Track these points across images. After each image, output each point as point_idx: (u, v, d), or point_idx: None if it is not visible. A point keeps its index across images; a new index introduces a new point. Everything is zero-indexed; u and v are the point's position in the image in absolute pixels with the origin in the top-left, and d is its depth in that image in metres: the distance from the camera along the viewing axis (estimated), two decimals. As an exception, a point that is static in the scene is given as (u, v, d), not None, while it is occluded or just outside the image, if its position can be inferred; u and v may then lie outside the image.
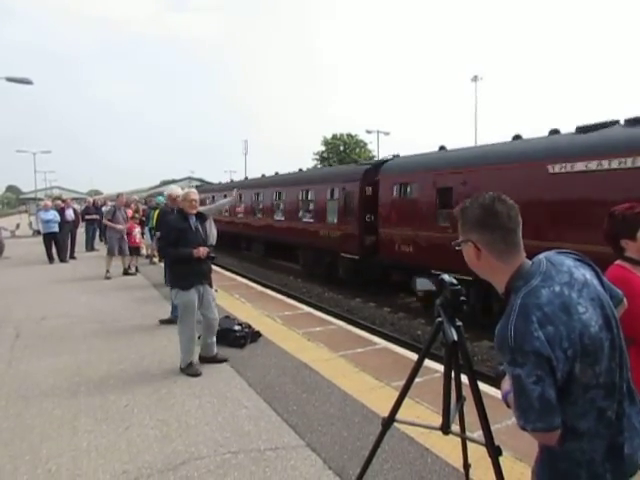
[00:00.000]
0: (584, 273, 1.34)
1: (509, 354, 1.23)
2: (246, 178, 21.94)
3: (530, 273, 1.31)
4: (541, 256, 1.37)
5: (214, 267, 6.11)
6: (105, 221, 11.03)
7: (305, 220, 14.91)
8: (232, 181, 24.22)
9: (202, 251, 4.53)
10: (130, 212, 11.54)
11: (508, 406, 1.35)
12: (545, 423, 1.21)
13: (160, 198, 11.62)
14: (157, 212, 8.78)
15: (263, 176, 20.64)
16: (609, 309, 1.31)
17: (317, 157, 50.65)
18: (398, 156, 12.45)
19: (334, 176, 14.16)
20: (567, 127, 8.43)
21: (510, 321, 1.24)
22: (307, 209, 15.12)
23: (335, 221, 13.18)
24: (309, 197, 15.00)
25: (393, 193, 11.09)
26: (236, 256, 20.06)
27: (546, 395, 1.19)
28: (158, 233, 8.35)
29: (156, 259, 11.88)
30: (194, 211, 4.70)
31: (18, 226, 26.17)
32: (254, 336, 5.59)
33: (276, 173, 19.43)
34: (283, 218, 16.44)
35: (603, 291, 1.35)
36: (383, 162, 12.33)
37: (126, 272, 10.76)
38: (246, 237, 20.56)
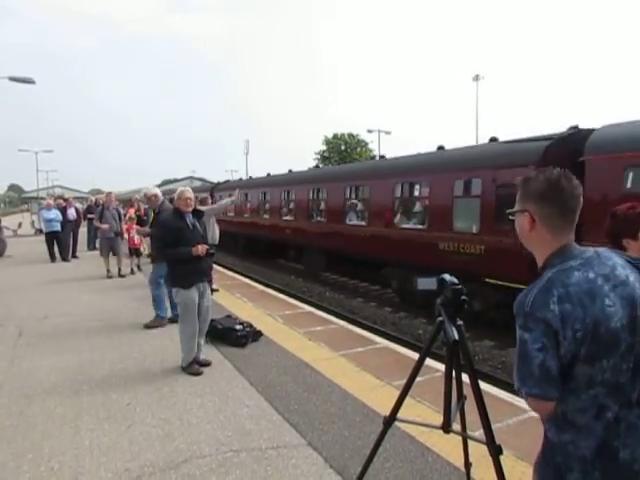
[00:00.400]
0: (628, 274, 1.34)
1: (522, 318, 1.28)
2: (290, 171, 17.95)
3: (572, 255, 1.33)
4: (592, 248, 1.38)
5: (216, 266, 6.11)
6: (95, 222, 11.03)
7: (406, 226, 10.59)
8: (269, 175, 19.55)
9: (201, 249, 4.54)
10: (132, 211, 11.52)
11: None
12: (541, 390, 1.25)
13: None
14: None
15: (317, 167, 17.32)
16: None
17: (318, 156, 50.64)
18: (577, 128, 7.98)
19: (471, 161, 9.00)
20: (567, 125, 8.17)
21: (532, 289, 1.29)
22: (410, 211, 10.92)
23: (475, 229, 8.60)
24: (415, 193, 10.72)
25: (627, 183, 6.73)
26: (237, 256, 19.96)
27: (547, 364, 1.23)
28: (143, 228, 8.30)
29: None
30: (189, 209, 4.72)
31: (20, 225, 26.28)
32: (255, 335, 5.60)
33: (341, 163, 16.09)
34: (364, 223, 12.02)
35: None
36: (583, 133, 7.63)
37: (119, 273, 10.54)
38: (297, 246, 15.95)
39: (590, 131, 7.56)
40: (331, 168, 15.57)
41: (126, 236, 11.04)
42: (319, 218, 14.28)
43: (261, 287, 9.77)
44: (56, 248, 13.46)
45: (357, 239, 12.05)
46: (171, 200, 6.18)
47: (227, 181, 26.19)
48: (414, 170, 10.61)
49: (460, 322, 2.08)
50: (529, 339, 1.25)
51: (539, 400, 1.28)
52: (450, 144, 10.87)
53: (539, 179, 1.38)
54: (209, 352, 5.03)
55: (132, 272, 10.93)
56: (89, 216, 16.12)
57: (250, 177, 21.38)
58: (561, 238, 1.36)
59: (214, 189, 22.77)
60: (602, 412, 1.27)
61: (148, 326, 6.24)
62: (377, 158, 16.65)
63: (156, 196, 6.70)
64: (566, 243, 1.35)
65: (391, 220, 10.88)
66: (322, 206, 14.28)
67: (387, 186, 10.99)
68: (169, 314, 6.45)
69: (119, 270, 10.62)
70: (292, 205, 16.05)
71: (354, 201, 12.78)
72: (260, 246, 18.98)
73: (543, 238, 1.37)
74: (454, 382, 2.20)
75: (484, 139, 9.97)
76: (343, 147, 49.44)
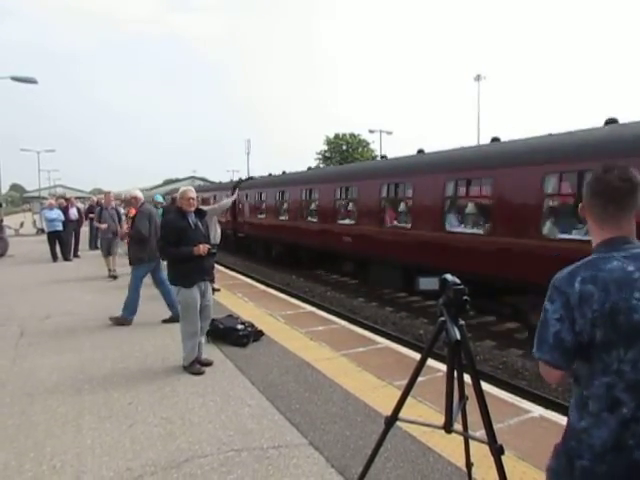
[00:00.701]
0: None
1: (550, 290, 1.38)
2: (340, 163, 15.49)
3: (619, 247, 1.36)
4: None
5: (217, 266, 6.12)
6: (95, 222, 11.07)
7: (568, 238, 6.96)
8: (309, 169, 16.92)
9: (202, 248, 4.55)
10: (133, 211, 11.50)
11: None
12: (552, 357, 1.34)
13: (158, 197, 11.57)
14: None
15: (382, 158, 13.42)
16: None
17: (320, 156, 50.64)
18: None
19: None
20: (569, 126, 7.97)
21: (568, 268, 1.38)
22: (575, 216, 6.82)
23: None
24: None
25: None
26: (239, 256, 19.97)
27: (562, 335, 1.32)
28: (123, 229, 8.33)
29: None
30: (192, 209, 4.74)
31: (22, 224, 26.34)
32: (257, 335, 5.61)
33: (342, 164, 12.68)
34: (480, 231, 8.70)
35: None
36: None
37: (113, 274, 10.32)
38: (360, 257, 12.36)
39: None
40: (421, 155, 11.03)
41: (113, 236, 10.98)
42: (396, 223, 11.19)
43: (262, 287, 9.78)
44: (58, 248, 13.48)
45: (465, 252, 8.50)
46: (173, 200, 6.22)
47: (251, 178, 23.43)
48: (584, 152, 6.83)
49: (462, 322, 2.08)
50: (550, 309, 1.35)
51: (548, 366, 1.36)
52: (450, 145, 10.34)
53: (592, 174, 1.43)
54: (211, 352, 5.04)
55: (133, 272, 10.91)
56: (90, 216, 16.15)
57: (284, 172, 18.83)
58: (608, 230, 1.39)
59: (236, 187, 20.39)
60: (617, 406, 1.28)
61: (112, 319, 6.40)
62: (379, 158, 15.58)
63: (136, 198, 6.94)
64: (615, 235, 1.38)
65: (536, 228, 7.34)
66: (401, 207, 11.16)
67: (529, 178, 7.42)
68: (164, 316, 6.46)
69: (114, 270, 10.53)
70: (352, 206, 13.04)
71: (461, 199, 9.44)
72: (303, 255, 15.93)
73: (591, 227, 1.45)
74: (456, 382, 2.20)
75: (485, 139, 9.48)
76: (345, 147, 49.44)
